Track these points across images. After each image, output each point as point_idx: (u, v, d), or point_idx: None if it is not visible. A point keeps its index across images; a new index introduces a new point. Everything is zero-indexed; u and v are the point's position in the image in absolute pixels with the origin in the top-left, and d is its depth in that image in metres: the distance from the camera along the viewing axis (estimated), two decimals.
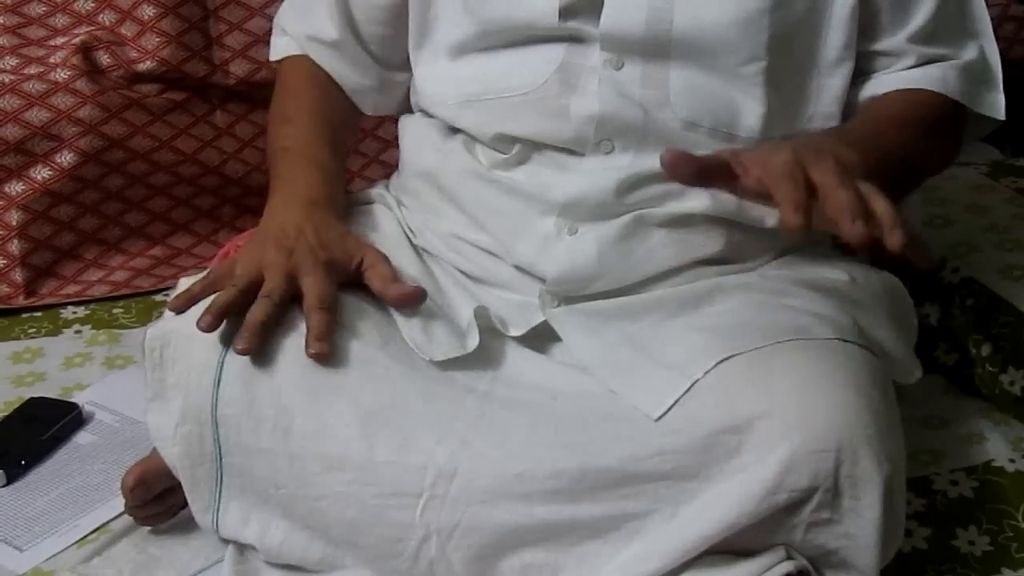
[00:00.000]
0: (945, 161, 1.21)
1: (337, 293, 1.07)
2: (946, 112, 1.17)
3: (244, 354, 1.03)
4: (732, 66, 1.09)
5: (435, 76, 1.21)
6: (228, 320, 1.04)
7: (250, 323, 1.03)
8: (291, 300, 1.06)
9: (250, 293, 1.06)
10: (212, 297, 1.06)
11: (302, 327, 1.05)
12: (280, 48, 1.32)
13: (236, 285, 1.05)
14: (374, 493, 1.01)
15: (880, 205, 0.91)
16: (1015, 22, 1.86)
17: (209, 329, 1.03)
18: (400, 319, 1.09)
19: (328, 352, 1.03)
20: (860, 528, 0.96)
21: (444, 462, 1.00)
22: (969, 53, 1.17)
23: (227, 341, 1.04)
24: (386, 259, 1.11)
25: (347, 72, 1.28)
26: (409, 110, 1.28)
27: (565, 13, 1.10)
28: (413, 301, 1.08)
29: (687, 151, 0.96)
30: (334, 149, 1.23)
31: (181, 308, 1.06)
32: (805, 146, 0.96)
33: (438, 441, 1.01)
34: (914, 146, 1.13)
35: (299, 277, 1.06)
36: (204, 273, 1.10)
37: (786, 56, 1.10)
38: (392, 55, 1.27)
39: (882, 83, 1.17)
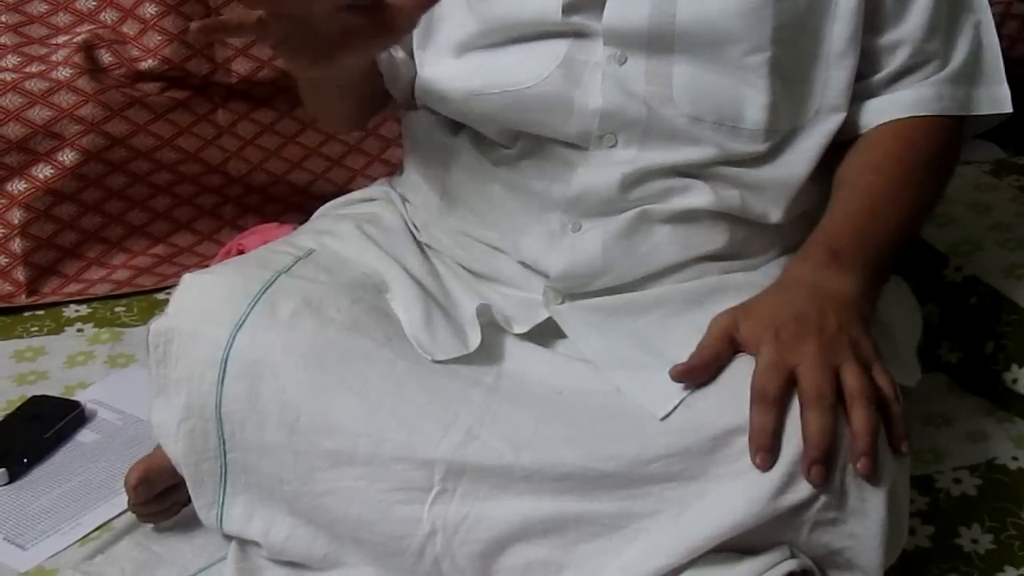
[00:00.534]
0: (948, 180, 1.19)
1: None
2: (945, 132, 1.15)
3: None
4: (736, 58, 1.09)
5: (440, 74, 1.20)
6: (233, 314, 1.04)
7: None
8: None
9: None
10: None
11: (304, 324, 1.05)
12: None
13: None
14: (382, 488, 1.01)
15: (858, 423, 0.93)
16: (1017, 20, 1.85)
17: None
18: (404, 317, 1.09)
19: None
20: (865, 528, 0.95)
21: (452, 456, 1.00)
22: (960, 51, 1.15)
23: (231, 338, 1.04)
24: None
25: None
26: (414, 104, 1.28)
27: (568, 9, 1.10)
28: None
29: (688, 366, 0.98)
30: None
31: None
32: (791, 324, 0.97)
33: (444, 434, 1.01)
34: (913, 202, 1.12)
35: None
36: (209, 269, 1.10)
37: (791, 47, 1.10)
38: (399, 47, 1.27)
39: (879, 111, 1.14)
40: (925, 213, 1.16)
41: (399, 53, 1.26)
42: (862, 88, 1.14)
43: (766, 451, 0.94)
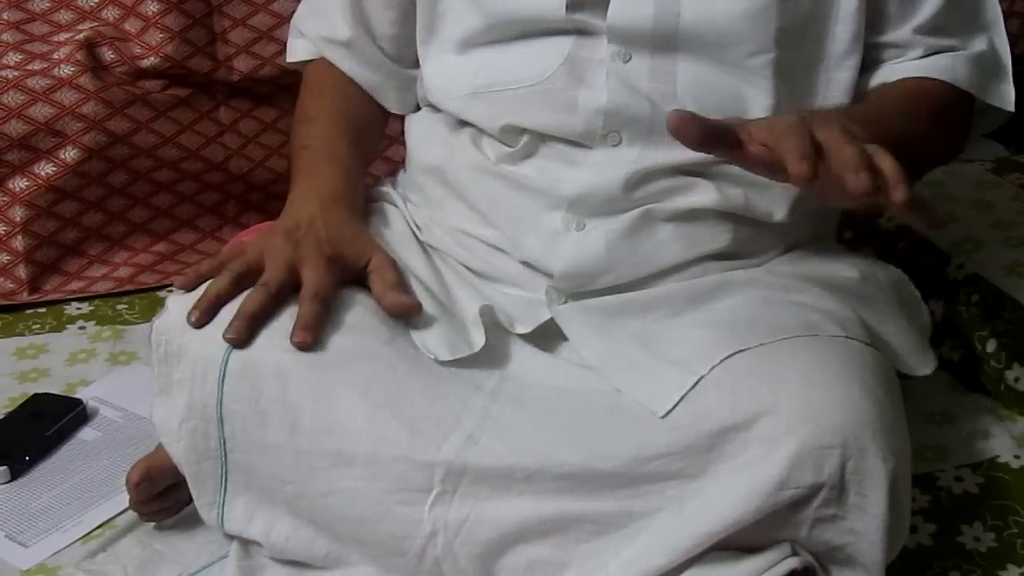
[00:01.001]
0: (951, 150, 1.21)
1: (337, 288, 1.07)
2: (954, 101, 1.17)
3: (234, 344, 1.03)
4: (740, 58, 1.09)
5: (443, 70, 1.20)
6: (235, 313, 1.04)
7: (242, 312, 1.03)
8: (293, 292, 1.06)
9: (246, 279, 1.06)
10: (205, 287, 1.06)
11: None
12: (296, 50, 1.32)
13: (231, 270, 1.05)
14: (382, 488, 1.01)
15: (886, 162, 0.90)
16: (1019, 17, 1.85)
17: (199, 325, 1.04)
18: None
19: (312, 342, 1.02)
20: (866, 524, 0.96)
21: (452, 458, 1.00)
22: (978, 45, 1.17)
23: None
24: (393, 264, 1.10)
25: (362, 70, 1.27)
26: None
27: (572, 6, 1.10)
28: (408, 313, 1.08)
29: (694, 113, 0.93)
30: (355, 147, 1.23)
31: (188, 286, 1.07)
32: (812, 113, 0.97)
33: (444, 438, 1.01)
34: (920, 132, 1.12)
35: (301, 269, 1.06)
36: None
37: (794, 48, 1.10)
38: (406, 54, 1.27)
39: (892, 71, 1.17)
40: (927, 157, 1.16)
41: (383, 77, 1.27)
42: (877, 69, 1.16)
43: (807, 161, 0.90)
